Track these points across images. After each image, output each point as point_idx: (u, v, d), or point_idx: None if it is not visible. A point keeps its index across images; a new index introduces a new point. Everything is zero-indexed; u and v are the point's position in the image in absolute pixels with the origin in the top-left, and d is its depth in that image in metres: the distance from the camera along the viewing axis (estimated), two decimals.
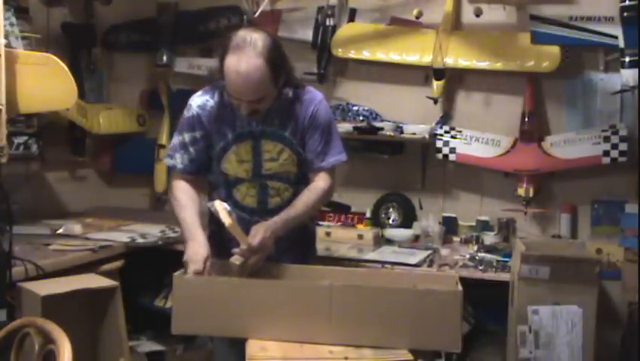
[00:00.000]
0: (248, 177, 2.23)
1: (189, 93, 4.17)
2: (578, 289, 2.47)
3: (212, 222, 2.26)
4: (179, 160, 2.26)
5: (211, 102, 2.23)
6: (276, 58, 2.05)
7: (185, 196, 2.23)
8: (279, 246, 2.12)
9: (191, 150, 2.25)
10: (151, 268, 3.20)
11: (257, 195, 2.25)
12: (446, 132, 3.43)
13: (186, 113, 2.26)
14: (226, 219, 1.99)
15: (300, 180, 2.27)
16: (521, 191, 3.26)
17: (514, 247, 2.80)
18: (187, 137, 2.24)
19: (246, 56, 1.99)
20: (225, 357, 2.30)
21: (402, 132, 3.37)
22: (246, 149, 2.21)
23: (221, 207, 2.02)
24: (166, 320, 1.99)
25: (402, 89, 3.60)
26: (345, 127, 3.40)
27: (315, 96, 2.25)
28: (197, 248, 2.04)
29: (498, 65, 3.31)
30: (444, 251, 3.14)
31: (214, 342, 2.54)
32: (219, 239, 2.20)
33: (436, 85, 3.34)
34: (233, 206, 2.17)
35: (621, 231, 3.13)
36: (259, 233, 2.04)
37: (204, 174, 2.32)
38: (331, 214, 3.57)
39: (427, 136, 3.34)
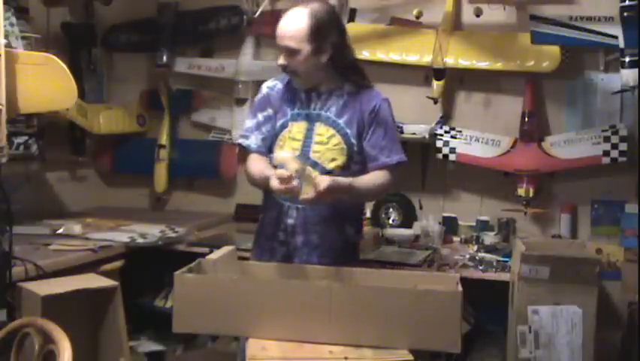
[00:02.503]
0: (284, 157, 2.19)
1: (189, 93, 4.22)
2: (578, 289, 2.47)
3: (266, 208, 2.37)
4: (253, 140, 2.35)
5: (279, 85, 2.38)
6: (322, 20, 2.18)
7: (260, 161, 2.31)
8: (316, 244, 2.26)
9: (264, 129, 2.35)
10: (151, 268, 3.20)
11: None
12: (446, 132, 3.43)
13: (258, 96, 2.44)
14: (292, 165, 2.02)
15: (342, 176, 2.20)
16: (521, 191, 3.26)
17: (514, 247, 2.80)
18: (260, 116, 2.36)
19: (299, 7, 2.21)
20: None
21: (402, 132, 3.36)
22: (299, 128, 2.30)
23: (285, 156, 2.11)
24: (166, 319, 1.99)
25: (402, 89, 3.59)
26: None
27: (379, 94, 2.34)
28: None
29: (498, 65, 3.31)
30: (444, 251, 3.14)
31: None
32: (269, 226, 2.34)
33: (436, 85, 3.34)
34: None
35: (621, 231, 3.13)
36: (324, 182, 2.03)
37: None
38: None
39: (427, 136, 3.34)
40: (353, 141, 2.27)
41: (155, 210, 4.07)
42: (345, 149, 2.26)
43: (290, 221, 2.29)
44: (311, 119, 2.29)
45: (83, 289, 2.31)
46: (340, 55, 2.26)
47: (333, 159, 2.26)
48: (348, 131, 2.27)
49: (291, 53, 2.19)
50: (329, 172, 2.20)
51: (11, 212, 2.33)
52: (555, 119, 3.39)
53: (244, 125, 2.41)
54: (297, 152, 2.24)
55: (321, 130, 2.28)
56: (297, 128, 2.30)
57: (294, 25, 2.18)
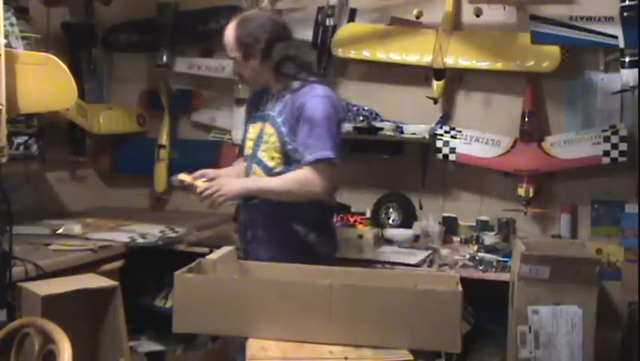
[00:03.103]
0: (248, 154, 2.50)
1: (189, 93, 4.23)
2: (578, 289, 2.46)
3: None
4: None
5: (255, 90, 2.63)
6: (248, 28, 2.40)
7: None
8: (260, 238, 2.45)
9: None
10: (151, 268, 3.20)
11: (244, 175, 2.51)
12: (446, 132, 3.43)
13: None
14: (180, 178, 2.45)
15: (280, 175, 2.38)
16: (521, 191, 3.26)
17: (514, 247, 2.80)
18: (245, 116, 2.69)
19: (233, 18, 2.48)
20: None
21: (402, 132, 3.37)
22: (255, 129, 2.49)
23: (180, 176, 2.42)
24: (166, 319, 1.99)
25: (402, 89, 3.60)
26: (345, 127, 3.40)
27: (312, 90, 2.37)
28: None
29: (498, 65, 3.31)
30: (444, 251, 3.14)
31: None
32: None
33: (436, 85, 3.33)
34: None
35: (621, 231, 3.13)
36: (201, 187, 2.38)
37: None
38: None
39: (427, 136, 3.34)
40: (286, 139, 2.37)
41: (155, 210, 4.07)
42: (279, 147, 2.38)
43: (242, 218, 2.55)
44: (263, 120, 2.46)
45: (83, 289, 2.32)
46: (274, 60, 2.39)
47: (272, 158, 2.40)
48: (283, 129, 2.37)
49: (232, 60, 2.47)
50: (270, 170, 2.40)
51: (11, 212, 2.33)
52: (555, 119, 3.38)
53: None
54: (250, 151, 2.48)
55: (267, 130, 2.42)
56: (253, 130, 2.50)
57: (227, 35, 2.44)
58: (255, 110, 2.55)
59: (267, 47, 2.38)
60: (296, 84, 2.40)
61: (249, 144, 2.50)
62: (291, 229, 2.42)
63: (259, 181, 2.41)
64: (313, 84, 2.39)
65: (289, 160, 2.38)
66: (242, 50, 2.40)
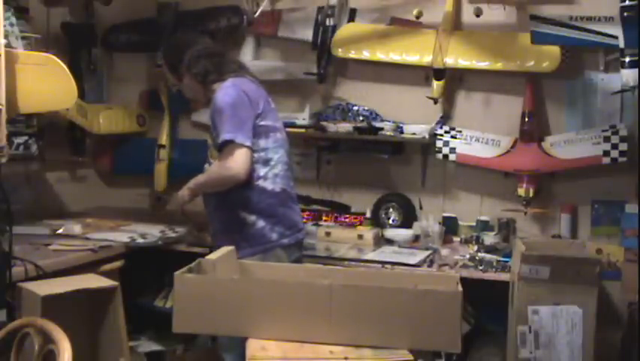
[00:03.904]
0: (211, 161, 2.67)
1: None
2: (578, 289, 2.46)
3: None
4: None
5: None
6: (169, 56, 2.73)
7: None
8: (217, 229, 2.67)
9: None
10: (151, 268, 3.20)
11: None
12: (446, 132, 3.43)
13: None
14: None
15: None
16: (521, 191, 3.26)
17: (514, 247, 2.81)
18: None
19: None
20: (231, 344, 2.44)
21: (402, 132, 3.37)
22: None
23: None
24: (166, 319, 1.99)
25: (402, 89, 3.60)
26: (345, 127, 3.40)
27: (222, 85, 2.56)
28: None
29: (498, 65, 3.31)
30: (444, 251, 3.14)
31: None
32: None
33: (436, 85, 3.33)
34: None
35: (621, 231, 3.13)
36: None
37: None
38: (331, 214, 3.59)
39: (427, 136, 3.34)
40: (214, 135, 2.54)
41: (155, 210, 4.06)
42: (213, 145, 2.57)
43: (207, 213, 2.72)
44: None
45: (83, 289, 2.31)
46: (195, 73, 2.64)
47: (214, 156, 2.58)
48: (211, 129, 2.56)
49: (175, 84, 2.77)
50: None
51: (11, 212, 2.33)
52: (555, 119, 3.38)
53: None
54: (210, 153, 2.67)
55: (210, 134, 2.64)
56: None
57: (163, 65, 2.78)
58: None
59: (188, 62, 2.63)
60: (216, 87, 2.59)
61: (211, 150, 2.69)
62: (238, 217, 2.56)
63: (194, 180, 2.67)
64: (225, 80, 2.57)
65: None
66: (172, 72, 2.71)
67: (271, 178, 2.58)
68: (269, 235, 2.57)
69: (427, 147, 3.48)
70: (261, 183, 2.56)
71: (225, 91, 2.52)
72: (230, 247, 2.31)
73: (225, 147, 2.45)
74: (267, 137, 2.57)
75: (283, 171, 2.63)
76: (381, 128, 3.36)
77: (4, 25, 2.52)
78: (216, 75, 2.63)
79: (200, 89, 2.68)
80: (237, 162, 2.44)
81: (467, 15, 3.47)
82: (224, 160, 2.46)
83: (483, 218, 3.41)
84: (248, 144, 2.46)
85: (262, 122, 2.56)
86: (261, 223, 2.56)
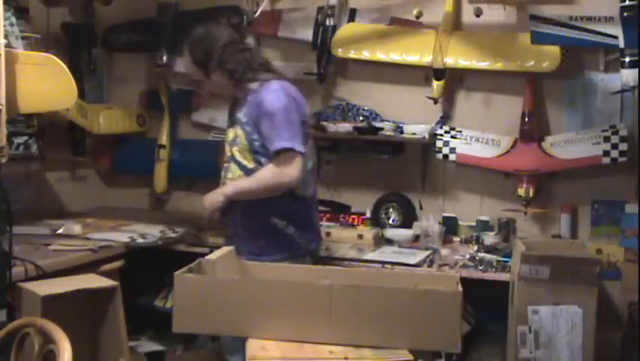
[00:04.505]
0: (227, 156, 2.60)
1: (189, 93, 4.23)
2: (578, 289, 2.47)
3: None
4: None
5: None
6: (197, 49, 2.55)
7: None
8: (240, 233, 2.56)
9: None
10: (151, 268, 3.20)
11: (223, 176, 2.62)
12: (446, 132, 3.43)
13: None
14: None
15: (254, 171, 2.51)
16: (521, 191, 3.26)
17: (514, 247, 2.81)
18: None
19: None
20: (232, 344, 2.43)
21: (402, 132, 3.37)
22: (231, 133, 2.60)
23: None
24: (166, 319, 1.99)
25: (402, 89, 3.60)
26: (345, 127, 3.40)
27: (268, 86, 2.49)
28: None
29: (498, 65, 3.31)
30: (444, 251, 3.14)
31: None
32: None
33: (436, 85, 3.33)
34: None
35: (621, 231, 3.13)
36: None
37: None
38: (331, 214, 3.58)
39: (427, 136, 3.34)
40: (253, 137, 2.49)
41: (155, 210, 4.07)
42: (247, 145, 2.51)
43: (224, 217, 2.62)
44: (235, 124, 2.58)
45: (83, 289, 2.31)
46: (228, 69, 2.53)
47: (245, 157, 2.53)
48: (248, 128, 2.50)
49: (200, 83, 2.63)
50: (245, 167, 2.53)
51: (11, 212, 2.33)
52: (555, 119, 3.38)
53: None
54: (230, 153, 2.59)
55: (238, 132, 2.55)
56: (230, 134, 2.61)
57: (187, 63, 2.64)
58: (229, 115, 2.69)
59: (220, 58, 2.53)
60: (254, 85, 2.52)
61: (227, 147, 2.62)
62: (268, 223, 2.52)
63: (234, 185, 2.54)
64: (270, 81, 2.51)
65: (258, 157, 2.51)
66: (202, 68, 2.56)
67: (302, 185, 2.55)
68: (298, 241, 2.56)
69: (427, 147, 3.48)
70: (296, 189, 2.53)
71: (276, 95, 2.46)
72: (230, 247, 2.32)
73: (282, 154, 2.41)
74: (306, 143, 2.53)
75: (311, 177, 2.63)
76: (381, 128, 3.36)
77: (4, 25, 2.52)
78: (251, 73, 2.55)
79: (231, 85, 2.58)
80: (295, 170, 2.42)
81: (467, 15, 3.47)
82: (282, 167, 2.41)
83: (483, 218, 3.41)
84: (303, 151, 2.44)
85: (305, 129, 2.54)
86: (291, 229, 2.54)
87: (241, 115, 2.54)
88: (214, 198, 2.57)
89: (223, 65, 2.53)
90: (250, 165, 2.52)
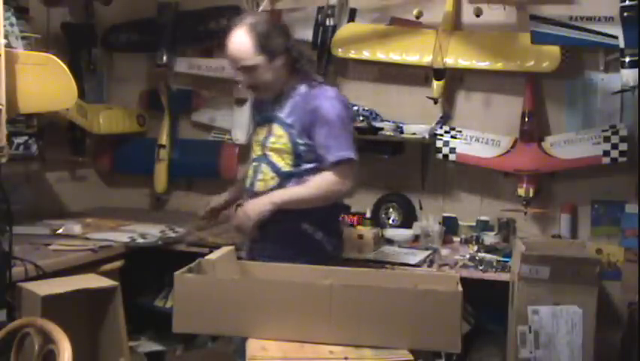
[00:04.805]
0: (257, 155, 2.48)
1: (189, 93, 4.22)
2: (578, 289, 2.46)
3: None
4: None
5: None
6: (262, 31, 2.33)
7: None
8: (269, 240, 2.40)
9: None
10: (151, 268, 3.20)
11: (251, 175, 2.48)
12: (446, 132, 3.43)
13: None
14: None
15: (290, 176, 2.39)
16: (521, 191, 3.26)
17: (514, 247, 2.81)
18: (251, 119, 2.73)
19: (236, 28, 2.36)
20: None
21: (402, 132, 3.37)
22: (262, 131, 2.47)
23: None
24: (166, 319, 1.99)
25: (402, 89, 3.60)
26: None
27: (324, 92, 2.40)
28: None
29: (498, 65, 3.31)
30: (444, 251, 3.14)
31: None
32: None
33: (436, 85, 3.33)
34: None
35: (621, 231, 3.13)
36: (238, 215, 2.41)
37: None
38: None
39: (427, 136, 3.34)
40: (298, 140, 2.37)
41: (155, 210, 4.07)
42: (290, 147, 2.38)
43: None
44: (270, 122, 2.44)
45: (83, 289, 2.32)
46: (292, 56, 2.40)
47: (282, 158, 2.40)
48: (294, 131, 2.37)
49: (249, 70, 2.36)
50: (279, 170, 2.40)
51: (11, 212, 2.33)
52: (555, 119, 3.38)
53: None
54: (259, 152, 2.46)
55: (276, 131, 2.41)
56: (261, 132, 2.48)
57: (240, 44, 2.34)
58: (258, 112, 2.57)
59: (289, 43, 2.40)
60: (303, 86, 2.40)
61: (256, 146, 2.49)
62: (299, 228, 2.42)
63: (286, 193, 2.37)
64: (322, 85, 2.43)
65: (299, 161, 2.39)
66: (264, 51, 2.33)
67: None
68: (326, 247, 2.49)
69: (427, 147, 3.48)
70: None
71: (332, 102, 2.37)
72: (230, 247, 2.32)
73: (344, 164, 2.33)
74: None
75: None
76: (381, 128, 3.36)
77: (4, 25, 2.53)
78: (309, 65, 2.47)
79: (285, 77, 2.41)
80: (353, 179, 2.37)
81: (467, 15, 3.47)
82: (343, 177, 2.33)
83: (483, 218, 3.41)
84: (357, 162, 2.40)
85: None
86: (319, 235, 2.46)
87: (283, 115, 2.41)
88: (260, 207, 2.34)
89: (290, 50, 2.39)
90: (285, 168, 2.40)
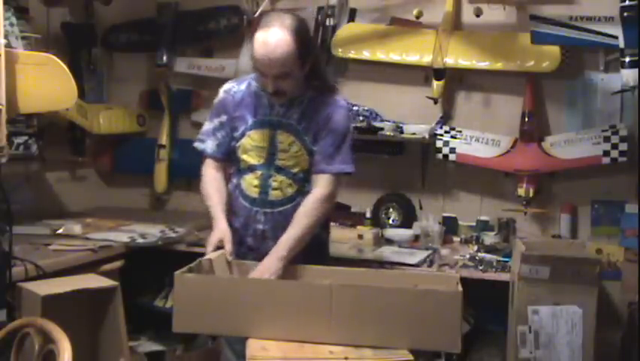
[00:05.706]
0: (259, 163, 2.31)
1: (189, 93, 4.22)
2: (578, 289, 2.46)
3: (234, 213, 2.38)
4: (209, 145, 2.42)
5: (236, 88, 2.37)
6: (304, 36, 2.18)
7: (210, 187, 2.40)
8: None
9: (218, 134, 2.39)
10: (151, 268, 3.20)
11: (260, 185, 2.31)
12: (446, 132, 3.43)
13: (215, 100, 2.42)
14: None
15: (307, 180, 2.31)
16: (521, 191, 3.26)
17: (514, 247, 2.80)
18: (215, 122, 2.39)
19: (274, 28, 2.12)
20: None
21: (402, 132, 3.37)
22: (262, 135, 2.30)
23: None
24: (166, 319, 1.99)
25: (402, 89, 3.60)
26: None
27: (337, 101, 2.33)
28: (214, 234, 2.23)
29: (498, 65, 3.31)
30: (444, 251, 3.14)
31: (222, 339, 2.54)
32: (237, 231, 2.33)
33: (436, 85, 3.34)
34: (239, 194, 2.35)
35: (621, 231, 3.13)
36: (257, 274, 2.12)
37: (232, 159, 2.41)
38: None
39: (427, 136, 3.34)
40: (311, 147, 2.29)
41: (155, 210, 4.07)
42: (305, 153, 2.29)
43: (259, 226, 2.32)
44: (273, 127, 2.29)
45: (83, 289, 2.31)
46: (316, 63, 2.30)
47: (298, 164, 2.30)
48: (306, 138, 2.29)
49: (285, 76, 2.17)
50: (294, 175, 2.29)
51: (11, 212, 2.33)
52: (555, 119, 3.38)
53: (202, 128, 2.46)
54: (262, 160, 2.30)
55: (282, 137, 2.29)
56: (260, 136, 2.30)
57: (283, 49, 2.11)
58: (252, 113, 2.32)
59: (315, 48, 2.35)
60: (313, 92, 2.30)
61: (260, 151, 2.30)
62: (319, 238, 2.39)
63: (288, 241, 2.18)
64: (333, 93, 2.35)
65: (310, 165, 2.32)
66: (302, 57, 2.17)
67: None
68: (328, 246, 2.51)
69: (427, 147, 3.48)
70: None
71: (344, 114, 2.31)
72: None
73: (339, 177, 2.30)
74: None
75: None
76: (381, 128, 3.36)
77: (4, 25, 2.53)
78: (315, 78, 2.32)
79: (304, 82, 2.27)
80: (337, 193, 2.33)
81: (467, 15, 3.47)
82: (333, 192, 2.28)
83: (483, 218, 3.41)
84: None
85: None
86: (325, 235, 2.46)
87: (292, 120, 2.28)
88: (273, 269, 2.11)
89: (317, 55, 2.32)
90: (299, 172, 2.31)
